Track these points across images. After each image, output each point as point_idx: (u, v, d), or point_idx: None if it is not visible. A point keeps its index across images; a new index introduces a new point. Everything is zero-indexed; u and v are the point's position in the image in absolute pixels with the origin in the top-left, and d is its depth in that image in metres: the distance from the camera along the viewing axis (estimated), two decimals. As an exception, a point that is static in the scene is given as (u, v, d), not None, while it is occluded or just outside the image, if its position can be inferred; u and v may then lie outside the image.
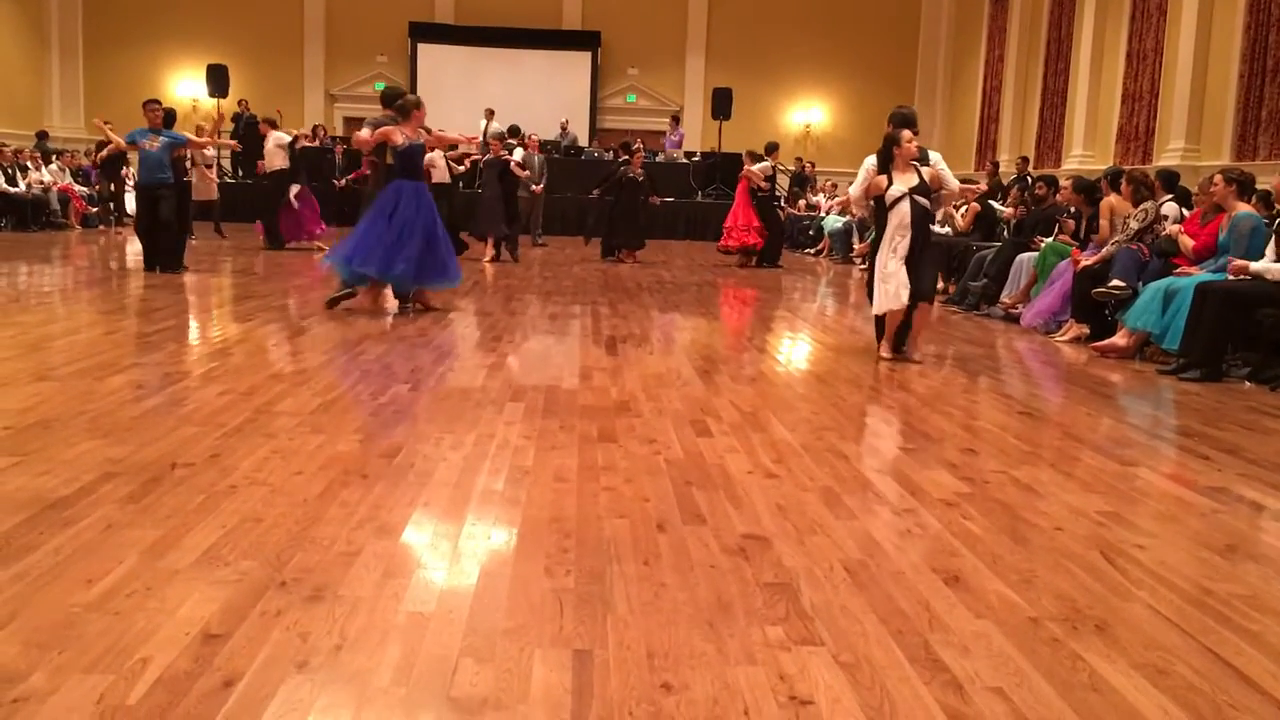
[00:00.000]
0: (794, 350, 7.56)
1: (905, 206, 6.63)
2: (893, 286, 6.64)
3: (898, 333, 6.86)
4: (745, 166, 14.50)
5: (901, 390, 5.89)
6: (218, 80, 20.15)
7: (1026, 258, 9.48)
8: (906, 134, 6.68)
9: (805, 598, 2.78)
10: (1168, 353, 7.07)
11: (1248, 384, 6.51)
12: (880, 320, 6.92)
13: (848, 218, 16.00)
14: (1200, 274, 7.09)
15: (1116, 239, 8.13)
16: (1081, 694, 2.31)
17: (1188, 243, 7.54)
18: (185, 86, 22.60)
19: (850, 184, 7.31)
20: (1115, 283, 7.68)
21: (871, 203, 6.90)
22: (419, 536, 3.17)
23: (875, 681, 2.32)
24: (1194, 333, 6.72)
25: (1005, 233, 11.17)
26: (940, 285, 11.21)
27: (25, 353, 5.95)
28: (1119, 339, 7.47)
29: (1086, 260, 8.19)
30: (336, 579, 2.77)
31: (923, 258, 6.74)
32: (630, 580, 2.85)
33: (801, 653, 2.45)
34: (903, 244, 6.64)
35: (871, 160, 6.88)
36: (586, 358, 6.51)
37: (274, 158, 13.88)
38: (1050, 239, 9.39)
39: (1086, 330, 8.03)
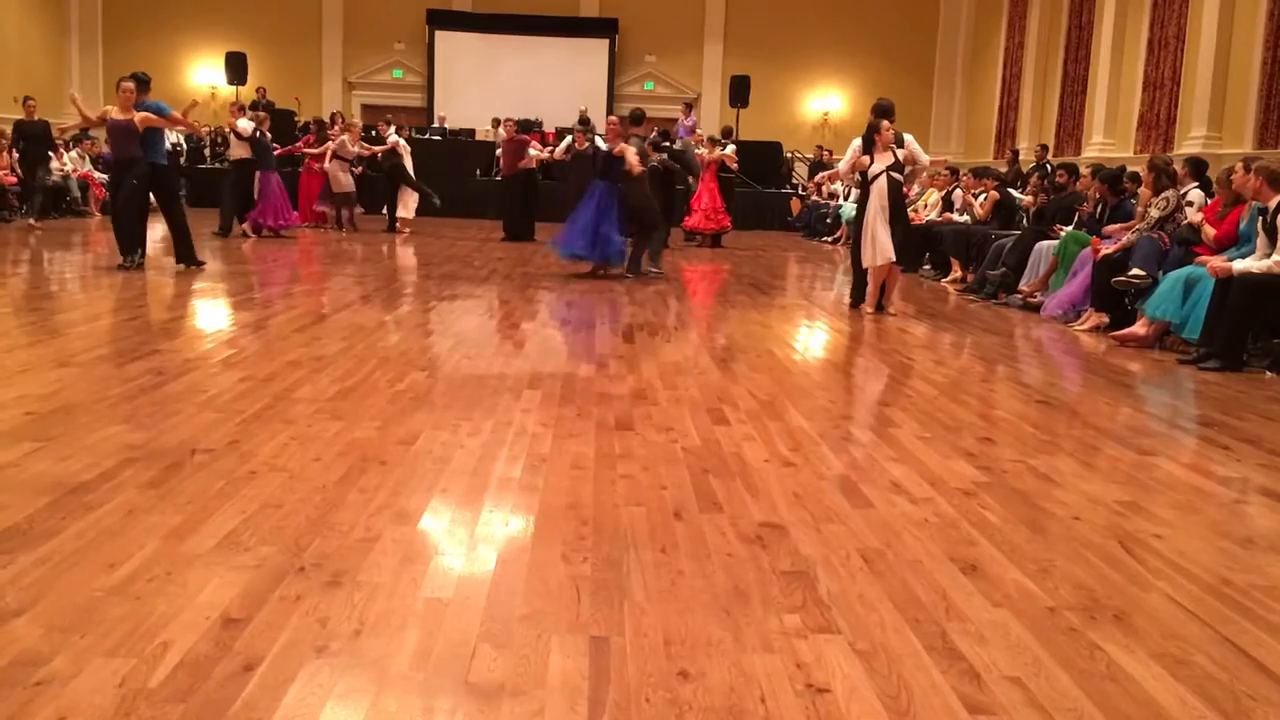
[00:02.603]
0: (811, 338, 7.54)
1: (883, 182, 8.22)
2: (882, 245, 8.15)
3: (884, 293, 8.48)
4: (710, 151, 15.06)
5: (919, 379, 5.87)
6: (236, 68, 20.21)
7: (1046, 246, 9.42)
8: (885, 124, 8.27)
9: (822, 586, 2.78)
10: (1188, 342, 7.03)
11: (1268, 374, 6.46)
12: (862, 280, 8.49)
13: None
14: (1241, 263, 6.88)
15: (1137, 227, 8.08)
16: (1099, 683, 2.31)
17: (1209, 231, 7.48)
18: (204, 74, 22.67)
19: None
20: (1135, 271, 7.63)
21: (857, 176, 8.60)
22: (437, 523, 3.18)
23: (892, 670, 2.32)
24: (1215, 322, 6.67)
25: (1024, 221, 11.10)
26: (959, 274, 11.24)
27: (47, 338, 5.99)
28: (1139, 328, 7.43)
29: (1107, 249, 8.14)
30: (355, 565, 2.78)
31: (896, 224, 8.24)
32: (647, 567, 2.85)
33: (818, 641, 2.45)
34: (884, 211, 8.18)
35: (857, 142, 8.45)
36: (603, 345, 6.51)
37: (236, 147, 13.52)
38: (1070, 227, 9.34)
39: (1106, 319, 7.98)
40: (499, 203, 15.02)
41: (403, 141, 15.21)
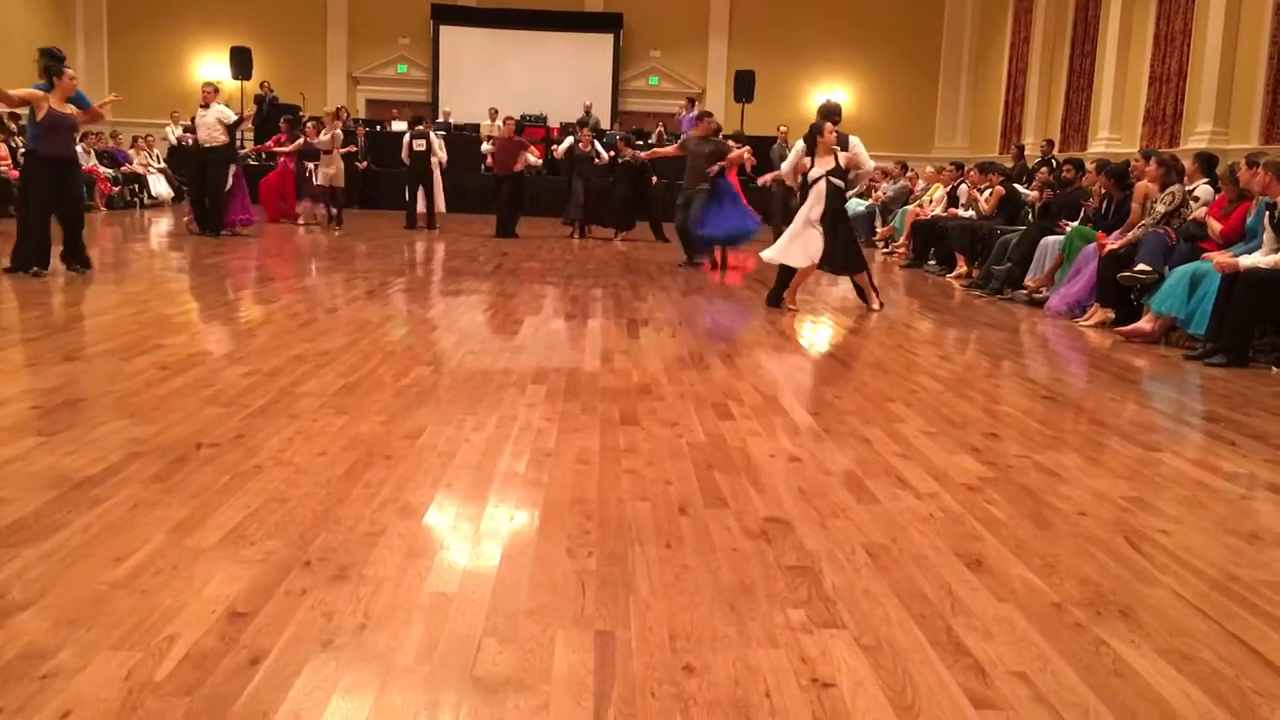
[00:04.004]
0: (816, 333, 7.54)
1: (821, 186, 8.10)
2: (807, 247, 8.10)
3: (864, 295, 8.56)
4: (740, 150, 14.70)
5: (924, 374, 5.87)
6: (241, 63, 20.18)
7: (1051, 241, 9.40)
8: (828, 126, 8.16)
9: (827, 581, 2.78)
10: (1194, 337, 7.01)
11: (1275, 369, 6.45)
12: (788, 275, 8.33)
13: (870, 202, 15.94)
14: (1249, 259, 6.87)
15: (1143, 222, 8.06)
16: (1105, 678, 2.31)
17: (1215, 226, 7.46)
18: (209, 69, 22.63)
19: (858, 163, 8.49)
20: (1141, 267, 7.61)
21: (800, 178, 8.43)
22: (442, 518, 3.18)
23: (897, 665, 2.32)
24: (1221, 317, 6.66)
25: (1030, 216, 11.08)
26: (964, 269, 11.22)
27: (53, 333, 6.00)
28: (1144, 323, 7.41)
29: (1113, 244, 8.12)
30: (360, 559, 2.79)
31: (838, 231, 8.19)
32: (652, 562, 2.85)
33: (823, 635, 2.45)
34: (817, 211, 8.08)
35: (801, 144, 8.37)
36: (608, 340, 6.51)
37: (214, 132, 12.46)
38: (1076, 222, 9.32)
39: (1112, 314, 7.97)
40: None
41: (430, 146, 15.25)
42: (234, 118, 12.87)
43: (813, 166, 8.15)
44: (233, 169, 12.82)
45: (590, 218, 15.21)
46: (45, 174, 8.31)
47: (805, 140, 8.29)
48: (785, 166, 8.81)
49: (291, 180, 14.97)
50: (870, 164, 8.75)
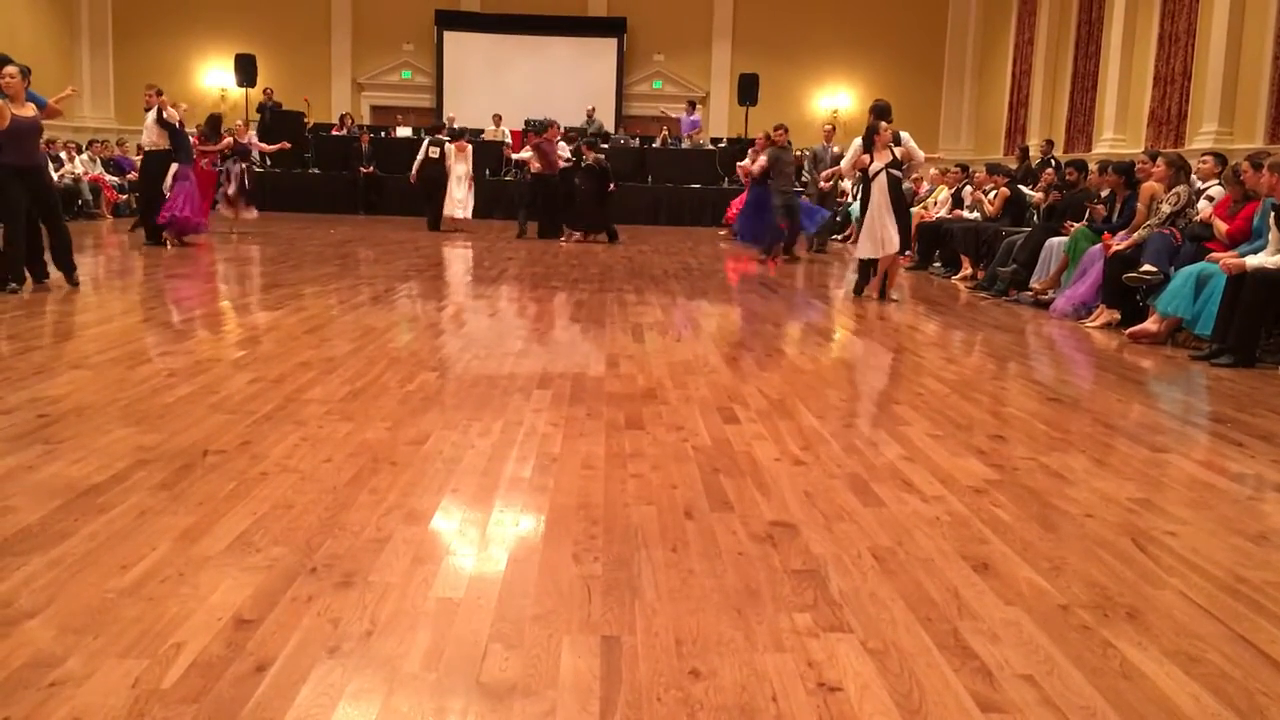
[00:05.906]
0: (821, 336, 7.53)
1: (884, 178, 8.87)
2: (879, 236, 8.87)
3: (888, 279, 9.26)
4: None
5: (930, 376, 5.86)
6: (245, 70, 20.23)
7: (1056, 242, 9.39)
8: (883, 124, 8.99)
9: (833, 585, 2.78)
10: (1200, 338, 7.00)
11: (1282, 369, 6.44)
12: (868, 267, 9.23)
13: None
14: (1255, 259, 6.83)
15: (1149, 223, 8.04)
16: (1112, 681, 2.30)
17: (1221, 227, 7.44)
18: (214, 76, 22.74)
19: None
20: (1147, 267, 7.60)
21: (858, 174, 9.41)
22: (448, 523, 3.19)
23: (904, 668, 2.32)
24: (1227, 318, 6.64)
25: (1035, 218, 11.07)
26: (969, 271, 11.21)
27: (59, 341, 6.02)
28: (1150, 324, 7.40)
29: (1118, 245, 8.10)
30: (366, 565, 2.79)
31: (898, 217, 8.93)
32: (658, 567, 2.85)
33: (830, 639, 2.45)
34: (883, 203, 8.83)
35: (858, 141, 9.18)
36: (613, 345, 6.51)
37: (152, 134, 11.77)
38: (1081, 223, 9.31)
39: (1117, 316, 7.95)
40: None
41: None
42: (176, 116, 11.90)
43: (872, 161, 8.92)
44: (173, 168, 11.95)
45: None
46: (18, 186, 7.64)
47: (863, 139, 9.05)
48: (845, 164, 9.59)
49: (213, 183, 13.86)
50: (922, 155, 9.67)
